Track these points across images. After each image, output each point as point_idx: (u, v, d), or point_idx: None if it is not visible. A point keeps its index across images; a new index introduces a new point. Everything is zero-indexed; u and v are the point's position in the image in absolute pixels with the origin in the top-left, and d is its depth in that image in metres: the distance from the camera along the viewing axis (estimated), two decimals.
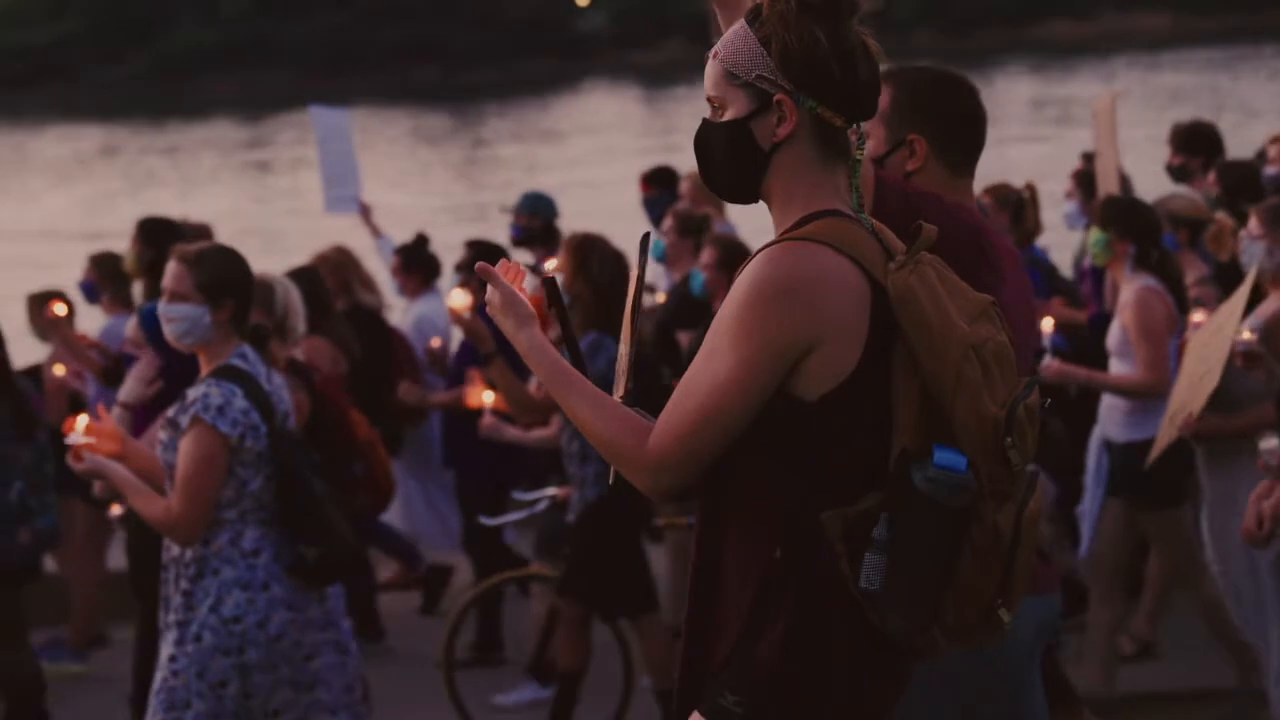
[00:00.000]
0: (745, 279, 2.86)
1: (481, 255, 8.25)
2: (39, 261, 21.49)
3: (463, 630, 7.63)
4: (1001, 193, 7.83)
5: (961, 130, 3.86)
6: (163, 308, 5.18)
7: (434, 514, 9.43)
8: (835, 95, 2.90)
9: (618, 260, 6.79)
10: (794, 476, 2.84)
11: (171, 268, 5.18)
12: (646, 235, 3.19)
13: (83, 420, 5.22)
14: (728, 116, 2.96)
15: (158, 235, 7.36)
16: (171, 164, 43.05)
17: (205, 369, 5.25)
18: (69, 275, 9.55)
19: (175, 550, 5.20)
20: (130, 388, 6.46)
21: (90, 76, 71.17)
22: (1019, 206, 7.76)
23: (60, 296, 8.68)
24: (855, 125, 2.95)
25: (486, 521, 7.97)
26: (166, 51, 70.50)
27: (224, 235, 8.77)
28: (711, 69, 2.99)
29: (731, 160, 2.97)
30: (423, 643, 8.38)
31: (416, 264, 9.44)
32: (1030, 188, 7.89)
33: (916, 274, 2.83)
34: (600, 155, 34.32)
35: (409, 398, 8.71)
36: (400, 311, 9.91)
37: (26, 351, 9.06)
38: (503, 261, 3.16)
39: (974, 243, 3.61)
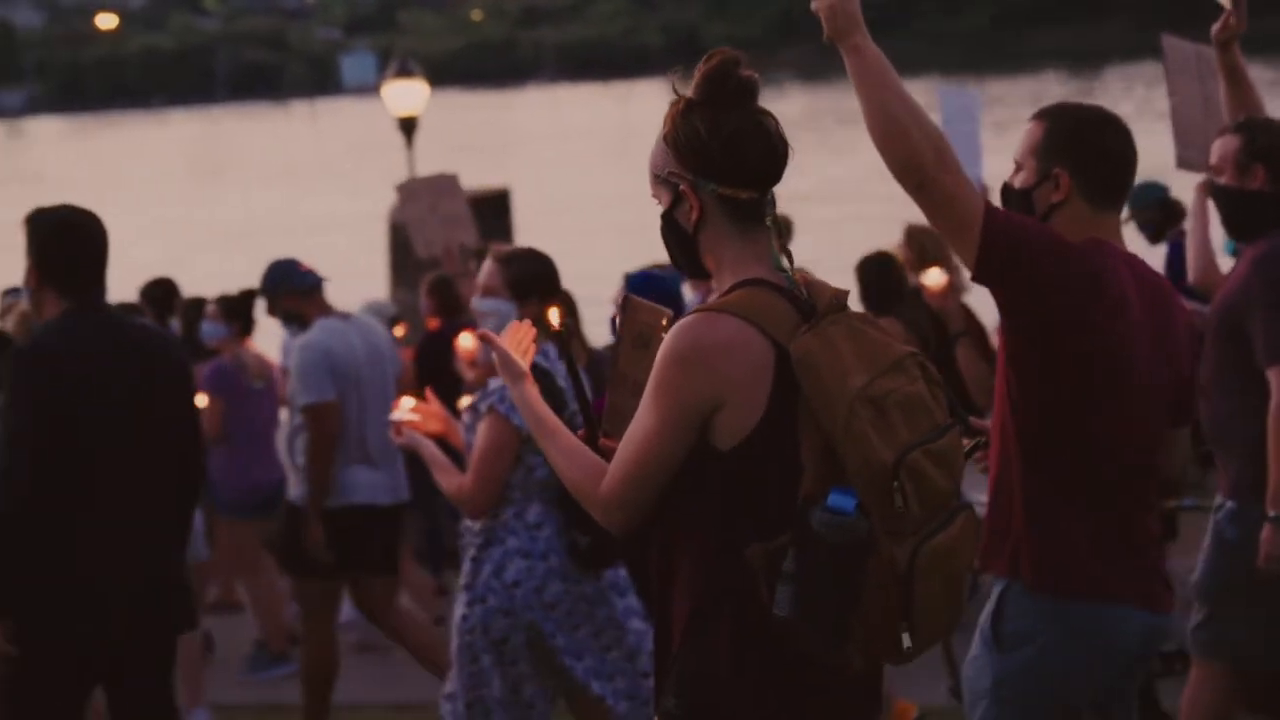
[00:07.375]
0: (663, 345, 3.19)
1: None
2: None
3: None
4: None
5: (1105, 168, 3.97)
6: (475, 301, 5.66)
7: None
8: (727, 175, 3.22)
9: None
10: (722, 514, 3.17)
11: (486, 265, 5.63)
12: (627, 297, 3.51)
13: (407, 400, 5.57)
14: (663, 209, 3.32)
15: None
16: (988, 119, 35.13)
17: None
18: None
19: (468, 520, 5.68)
20: None
21: (927, 29, 76.22)
22: None
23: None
24: (767, 193, 3.24)
25: None
26: (1006, 3, 75.82)
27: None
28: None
29: (673, 245, 3.35)
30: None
31: None
32: None
33: (819, 336, 3.10)
34: None
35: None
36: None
37: None
38: (514, 323, 3.68)
39: (1089, 287, 3.81)
